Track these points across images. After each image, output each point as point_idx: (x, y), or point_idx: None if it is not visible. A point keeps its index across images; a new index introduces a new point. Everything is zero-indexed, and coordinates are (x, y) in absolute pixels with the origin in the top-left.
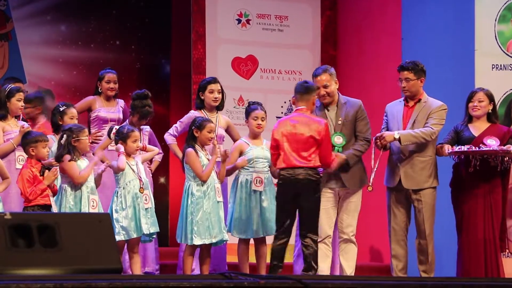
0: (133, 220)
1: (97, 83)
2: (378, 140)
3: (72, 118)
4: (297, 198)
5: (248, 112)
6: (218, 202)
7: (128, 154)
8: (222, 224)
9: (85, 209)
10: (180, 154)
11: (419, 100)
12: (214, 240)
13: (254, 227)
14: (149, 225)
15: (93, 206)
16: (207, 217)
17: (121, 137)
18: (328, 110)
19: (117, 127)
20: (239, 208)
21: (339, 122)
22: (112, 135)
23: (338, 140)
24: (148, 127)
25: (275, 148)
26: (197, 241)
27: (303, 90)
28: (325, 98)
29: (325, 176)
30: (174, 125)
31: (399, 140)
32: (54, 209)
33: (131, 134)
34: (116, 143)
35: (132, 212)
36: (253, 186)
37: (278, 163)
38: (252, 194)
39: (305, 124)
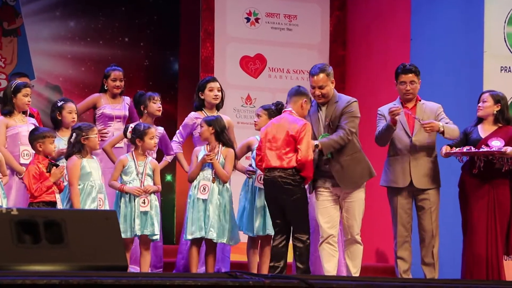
0: (127, 220)
1: (103, 80)
2: (425, 127)
3: (70, 113)
4: (278, 199)
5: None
6: (202, 200)
7: (143, 151)
8: (201, 223)
9: (92, 207)
10: (185, 164)
11: (417, 101)
12: (189, 237)
13: (256, 225)
14: (145, 228)
15: (99, 205)
16: (188, 214)
17: (138, 134)
18: (321, 110)
19: (133, 125)
20: (247, 206)
21: (326, 123)
22: (128, 134)
23: None
24: (162, 128)
25: (260, 149)
26: (184, 237)
27: (293, 92)
28: (320, 99)
29: (319, 174)
30: (178, 131)
31: (443, 132)
32: (60, 206)
33: (148, 131)
34: (133, 141)
35: (126, 212)
36: (255, 182)
37: (261, 164)
38: (257, 191)
39: (286, 125)
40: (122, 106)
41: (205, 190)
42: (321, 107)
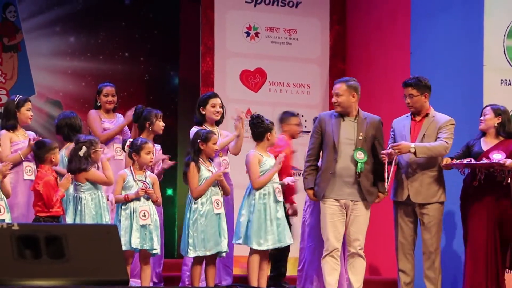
0: (127, 233)
1: (96, 97)
2: (393, 149)
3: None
4: None
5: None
6: (217, 214)
7: (141, 167)
8: (219, 237)
9: (106, 218)
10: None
11: (427, 114)
12: (208, 253)
13: (269, 236)
14: (144, 241)
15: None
16: (202, 230)
17: (135, 149)
18: (343, 121)
19: (131, 139)
20: (257, 219)
21: (360, 138)
22: (126, 148)
23: (360, 155)
24: (158, 145)
25: None
26: (191, 254)
27: None
28: (336, 107)
29: (329, 186)
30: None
31: (414, 152)
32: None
33: (144, 146)
34: (130, 156)
35: (127, 225)
36: (277, 195)
37: None
38: (273, 203)
39: None
40: (116, 121)
41: (218, 205)
42: (344, 117)
